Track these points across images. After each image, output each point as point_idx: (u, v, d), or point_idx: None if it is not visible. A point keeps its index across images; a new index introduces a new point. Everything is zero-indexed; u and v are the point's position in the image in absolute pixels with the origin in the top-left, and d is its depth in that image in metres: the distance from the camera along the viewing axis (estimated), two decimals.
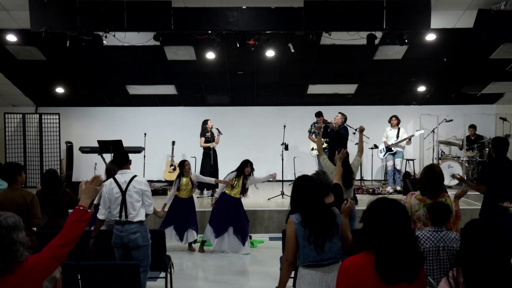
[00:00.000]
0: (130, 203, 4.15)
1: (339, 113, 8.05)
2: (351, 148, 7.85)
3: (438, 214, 3.21)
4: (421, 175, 3.87)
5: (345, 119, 8.00)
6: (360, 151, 5.13)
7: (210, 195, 8.48)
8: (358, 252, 2.15)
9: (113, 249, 4.27)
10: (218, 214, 6.24)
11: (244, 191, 6.28)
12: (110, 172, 4.82)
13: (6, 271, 2.06)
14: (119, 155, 4.41)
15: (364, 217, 2.17)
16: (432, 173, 3.81)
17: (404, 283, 2.01)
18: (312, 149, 9.40)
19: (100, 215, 4.25)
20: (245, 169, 6.23)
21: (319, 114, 9.15)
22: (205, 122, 8.80)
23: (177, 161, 10.19)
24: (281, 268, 3.10)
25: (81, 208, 2.44)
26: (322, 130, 5.56)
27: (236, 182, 6.22)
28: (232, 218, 6.20)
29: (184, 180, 6.33)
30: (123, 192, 4.16)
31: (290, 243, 2.96)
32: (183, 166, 6.40)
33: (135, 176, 4.28)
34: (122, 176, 4.26)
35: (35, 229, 4.56)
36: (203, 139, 8.72)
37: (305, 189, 3.06)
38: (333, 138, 7.91)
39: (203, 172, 8.76)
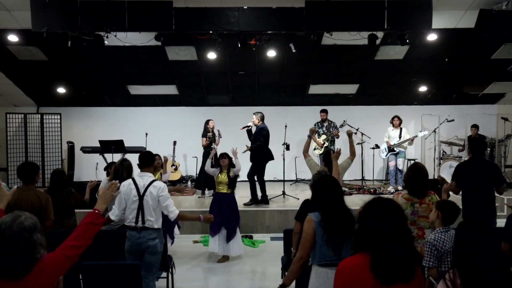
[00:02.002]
0: (147, 209, 4.01)
1: (253, 114, 8.05)
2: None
3: (452, 213, 3.24)
4: (408, 175, 3.88)
5: (261, 117, 7.98)
6: (352, 154, 5.09)
7: (212, 195, 8.46)
8: (354, 254, 2.10)
9: (111, 250, 4.27)
10: (212, 213, 6.15)
11: (231, 184, 6.02)
12: (118, 172, 4.70)
13: (27, 272, 2.05)
14: (145, 156, 4.25)
15: (360, 218, 2.12)
16: (420, 172, 3.83)
17: (401, 283, 1.97)
18: (314, 149, 9.41)
19: (113, 216, 4.05)
20: (220, 162, 6.09)
21: (324, 110, 9.53)
22: (206, 122, 8.81)
23: (178, 161, 10.26)
24: (292, 266, 3.03)
25: (96, 211, 2.51)
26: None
27: (220, 176, 6.03)
28: (225, 219, 5.98)
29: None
30: (141, 197, 4.02)
31: (308, 241, 2.92)
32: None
33: (154, 180, 4.11)
34: (142, 179, 4.10)
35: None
36: (204, 139, 8.72)
37: (324, 188, 3.01)
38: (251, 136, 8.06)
39: (203, 171, 8.77)
